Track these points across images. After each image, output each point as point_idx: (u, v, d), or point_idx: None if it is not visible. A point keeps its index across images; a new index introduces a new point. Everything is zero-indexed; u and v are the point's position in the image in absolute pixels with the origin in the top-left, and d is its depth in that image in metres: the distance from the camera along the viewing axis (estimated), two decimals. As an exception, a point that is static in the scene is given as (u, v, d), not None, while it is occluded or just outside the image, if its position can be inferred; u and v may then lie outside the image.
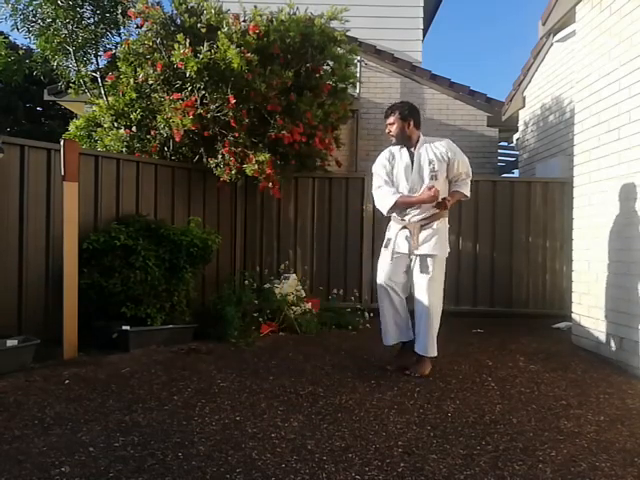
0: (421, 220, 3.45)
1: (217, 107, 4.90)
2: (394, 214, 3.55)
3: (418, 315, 3.51)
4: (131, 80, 5.25)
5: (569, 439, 2.46)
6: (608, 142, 4.03)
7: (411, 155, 3.52)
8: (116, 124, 5.40)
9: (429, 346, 3.47)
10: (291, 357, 3.91)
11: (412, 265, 3.51)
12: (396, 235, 3.53)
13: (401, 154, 3.55)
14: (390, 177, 3.55)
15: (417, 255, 3.45)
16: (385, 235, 3.65)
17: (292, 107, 5.22)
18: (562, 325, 5.28)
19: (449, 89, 8.65)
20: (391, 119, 3.53)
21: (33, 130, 12.96)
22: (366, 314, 5.30)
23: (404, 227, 3.50)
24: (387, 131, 3.58)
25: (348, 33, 5.70)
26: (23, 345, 3.48)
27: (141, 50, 5.22)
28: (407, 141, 3.53)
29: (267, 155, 4.91)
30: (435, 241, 3.43)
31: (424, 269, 3.44)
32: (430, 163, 3.45)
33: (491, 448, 2.35)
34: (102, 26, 5.90)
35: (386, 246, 3.59)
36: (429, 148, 3.50)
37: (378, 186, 3.58)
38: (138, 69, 5.22)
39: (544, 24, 5.23)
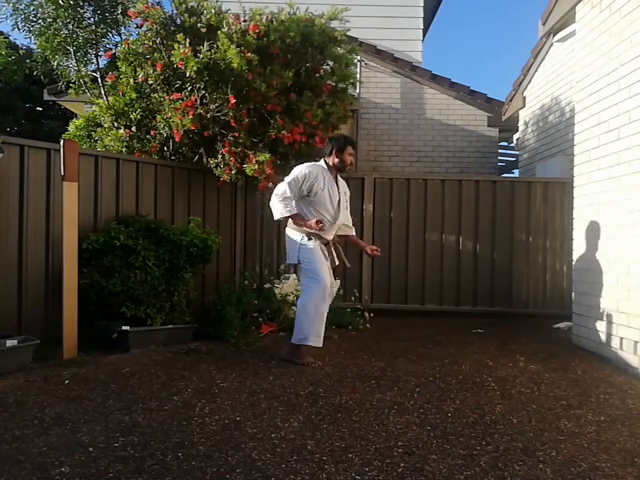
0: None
1: (217, 107, 4.90)
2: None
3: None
4: (131, 80, 5.24)
5: (569, 439, 2.46)
6: (608, 142, 4.03)
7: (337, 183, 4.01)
8: (116, 124, 5.39)
9: None
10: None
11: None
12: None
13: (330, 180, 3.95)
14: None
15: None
16: (306, 243, 3.81)
17: (292, 107, 5.21)
18: (562, 325, 5.28)
19: (449, 89, 8.65)
20: (353, 151, 3.99)
21: (33, 130, 12.95)
22: (366, 314, 5.31)
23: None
24: (349, 162, 3.96)
25: (348, 33, 5.69)
26: (23, 345, 3.48)
27: (141, 50, 5.22)
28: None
29: (267, 155, 4.91)
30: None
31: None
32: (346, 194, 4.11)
33: (491, 448, 2.35)
34: (102, 26, 5.91)
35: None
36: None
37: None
38: (138, 69, 5.22)
39: (544, 24, 5.23)
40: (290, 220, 3.85)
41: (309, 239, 3.79)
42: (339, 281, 4.31)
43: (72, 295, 3.79)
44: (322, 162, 4.00)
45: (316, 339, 3.75)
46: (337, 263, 3.94)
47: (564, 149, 6.66)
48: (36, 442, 2.32)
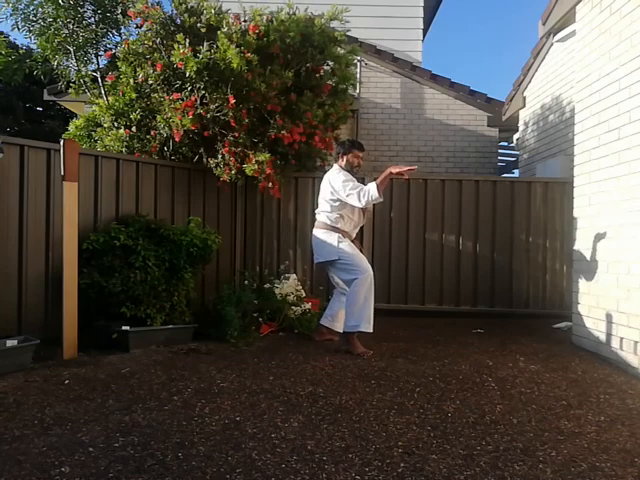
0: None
1: (217, 107, 4.90)
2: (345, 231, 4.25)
3: None
4: (131, 80, 5.24)
5: (569, 439, 2.46)
6: (608, 142, 4.03)
7: None
8: (116, 124, 5.39)
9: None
10: (291, 357, 3.91)
11: None
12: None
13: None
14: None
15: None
16: (343, 242, 4.21)
17: (292, 107, 5.21)
18: (562, 325, 5.28)
19: (449, 89, 8.66)
20: (362, 154, 4.29)
21: (33, 130, 12.96)
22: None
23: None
24: (357, 163, 4.27)
25: (348, 33, 5.69)
26: (23, 345, 3.48)
27: (141, 50, 5.22)
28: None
29: (267, 155, 4.91)
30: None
31: None
32: None
33: (491, 448, 2.35)
34: (102, 26, 5.90)
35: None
36: None
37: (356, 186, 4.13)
38: (138, 69, 5.22)
39: (544, 24, 5.23)
40: (319, 221, 4.31)
41: (344, 237, 4.20)
42: None
43: (72, 295, 3.79)
44: (336, 167, 4.30)
45: (367, 325, 4.07)
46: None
47: (564, 149, 6.66)
48: (36, 442, 2.32)
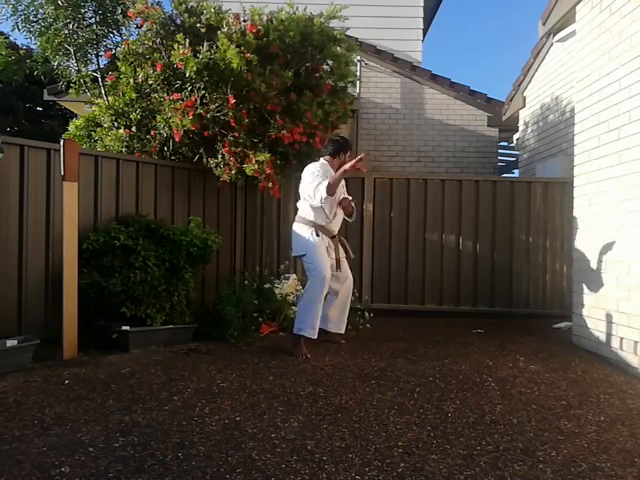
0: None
1: (217, 107, 4.90)
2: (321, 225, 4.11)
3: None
4: (131, 80, 5.24)
5: (569, 439, 2.46)
6: (608, 142, 4.03)
7: None
8: (116, 124, 5.39)
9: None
10: (291, 357, 3.91)
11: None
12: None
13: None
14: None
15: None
16: (315, 238, 4.07)
17: (292, 107, 5.21)
18: (562, 325, 5.28)
19: (449, 89, 8.66)
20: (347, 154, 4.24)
21: (33, 130, 12.96)
22: (366, 314, 5.30)
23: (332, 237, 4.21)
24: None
25: (348, 33, 5.68)
26: (23, 345, 3.48)
27: (141, 50, 5.22)
28: None
29: (267, 155, 4.91)
30: None
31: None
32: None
33: (491, 448, 2.35)
34: (103, 26, 5.89)
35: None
36: None
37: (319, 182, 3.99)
38: (138, 69, 5.21)
39: (544, 24, 5.23)
40: (299, 215, 4.20)
41: (317, 235, 4.06)
42: (351, 279, 4.44)
43: (72, 295, 3.79)
44: (323, 160, 4.23)
45: (310, 331, 4.01)
46: (346, 255, 4.29)
47: (564, 149, 6.66)
48: (36, 442, 2.32)
